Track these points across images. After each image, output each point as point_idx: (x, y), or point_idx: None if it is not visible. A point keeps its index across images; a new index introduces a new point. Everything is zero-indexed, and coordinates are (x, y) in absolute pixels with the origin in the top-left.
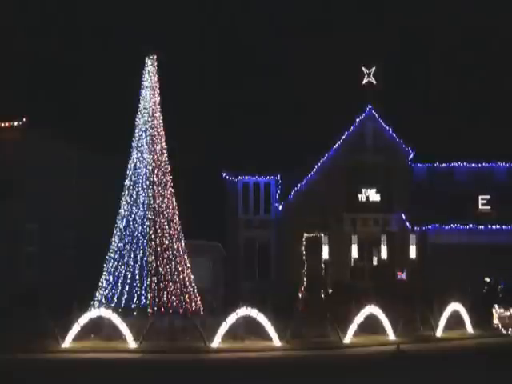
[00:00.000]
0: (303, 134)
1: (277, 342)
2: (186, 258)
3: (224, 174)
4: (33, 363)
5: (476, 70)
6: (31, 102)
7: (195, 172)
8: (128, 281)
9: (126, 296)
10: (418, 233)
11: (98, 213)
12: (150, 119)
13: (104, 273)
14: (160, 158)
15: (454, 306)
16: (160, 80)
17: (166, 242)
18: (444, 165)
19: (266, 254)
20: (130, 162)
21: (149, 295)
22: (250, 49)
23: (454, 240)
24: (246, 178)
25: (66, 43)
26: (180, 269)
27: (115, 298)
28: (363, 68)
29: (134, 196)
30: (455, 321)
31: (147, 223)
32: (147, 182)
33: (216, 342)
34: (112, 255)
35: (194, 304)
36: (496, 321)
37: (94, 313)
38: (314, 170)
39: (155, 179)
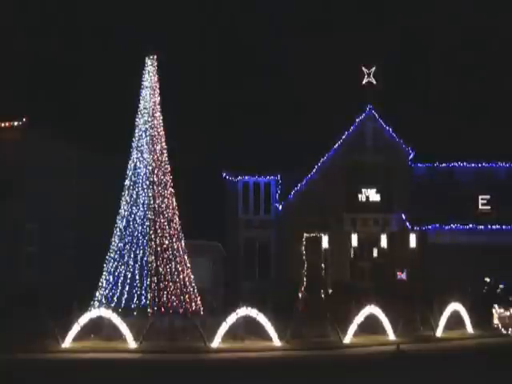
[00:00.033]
0: (303, 134)
1: (277, 341)
2: (185, 257)
3: (224, 174)
4: (33, 363)
5: (476, 69)
6: (31, 101)
7: (195, 172)
8: (128, 281)
9: (125, 296)
10: (417, 233)
11: (97, 213)
12: (149, 119)
13: (104, 273)
14: (160, 158)
15: (454, 306)
16: (160, 80)
17: (166, 242)
18: (444, 165)
19: (265, 254)
20: (130, 162)
21: (149, 295)
22: (250, 49)
23: (454, 240)
24: (246, 177)
25: (66, 43)
26: (180, 269)
27: (115, 298)
28: (363, 68)
29: (134, 196)
30: (455, 321)
31: (147, 223)
32: (147, 182)
33: (216, 342)
34: (112, 255)
35: (193, 304)
36: (496, 321)
37: (93, 313)
38: (314, 170)
39: (155, 179)
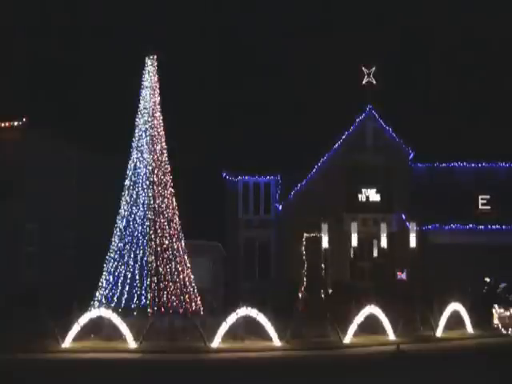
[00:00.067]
0: (303, 134)
1: (277, 341)
2: (186, 257)
3: (224, 174)
4: (33, 363)
5: (476, 69)
6: (31, 101)
7: (195, 172)
8: (128, 281)
9: (125, 296)
10: (418, 233)
11: (97, 213)
12: (149, 119)
13: (104, 273)
14: (160, 158)
15: (454, 306)
16: (160, 80)
17: (166, 242)
18: (444, 165)
19: (265, 254)
20: (130, 162)
21: (149, 295)
22: (250, 49)
23: (454, 240)
24: (246, 178)
25: (66, 43)
26: (180, 269)
27: (115, 298)
28: (363, 68)
29: (134, 196)
30: (455, 321)
31: (147, 223)
32: (147, 182)
33: (216, 342)
34: (112, 255)
35: (193, 304)
36: (496, 321)
37: (93, 313)
38: (314, 170)
39: (155, 179)
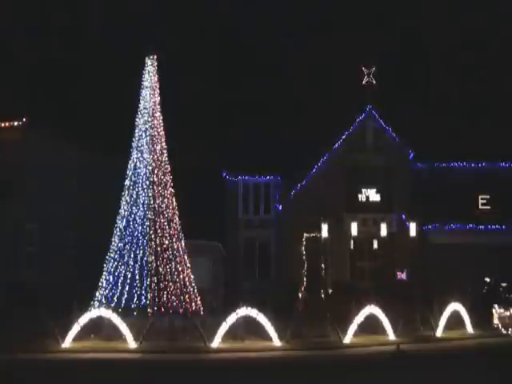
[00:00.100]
0: (303, 134)
1: (277, 341)
2: (186, 257)
3: (224, 174)
4: (33, 363)
5: (476, 69)
6: (31, 101)
7: (195, 172)
8: (128, 281)
9: (125, 296)
10: (418, 233)
11: (97, 213)
12: (149, 119)
13: (104, 273)
14: (160, 158)
15: (454, 306)
16: (160, 80)
17: (166, 242)
18: (444, 165)
19: (266, 254)
20: (130, 162)
21: (149, 295)
22: (250, 49)
23: (454, 240)
24: (246, 178)
25: (66, 43)
26: (180, 269)
27: (115, 298)
28: (363, 68)
29: (134, 196)
30: (455, 321)
31: (147, 223)
32: (147, 182)
33: (216, 342)
34: (112, 255)
35: (193, 304)
36: (496, 321)
37: (93, 313)
38: (314, 170)
39: (155, 179)
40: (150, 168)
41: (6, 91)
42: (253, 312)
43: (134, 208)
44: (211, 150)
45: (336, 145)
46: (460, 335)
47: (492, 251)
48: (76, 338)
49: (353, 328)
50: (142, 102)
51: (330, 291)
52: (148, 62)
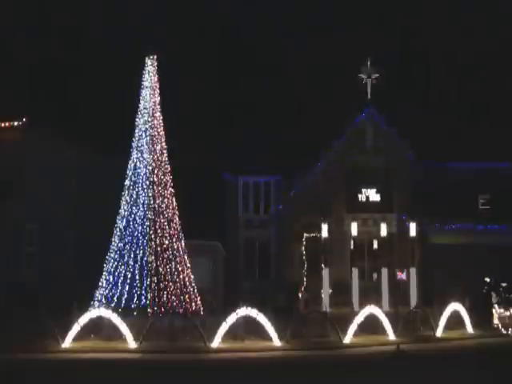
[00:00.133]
0: (303, 134)
1: (277, 341)
2: (186, 257)
3: (224, 174)
4: (33, 363)
5: (476, 69)
6: (31, 101)
7: (195, 172)
8: (128, 281)
9: (125, 296)
10: (418, 233)
11: (97, 213)
12: (149, 119)
13: (104, 273)
14: (160, 158)
15: (454, 306)
16: (160, 80)
17: (166, 242)
18: (444, 165)
19: (266, 254)
20: (130, 162)
21: (149, 295)
22: (250, 49)
23: (454, 240)
24: (246, 177)
25: (66, 43)
26: (180, 269)
27: (115, 298)
28: (363, 68)
29: (134, 196)
30: (455, 321)
31: (147, 223)
32: (147, 182)
33: (216, 342)
34: (112, 255)
35: (193, 304)
36: (496, 321)
37: (93, 313)
38: (314, 170)
39: (155, 179)
40: (150, 168)
41: (6, 91)
42: (253, 312)
43: (133, 208)
44: (211, 150)
45: (336, 145)
46: (460, 335)
47: (492, 251)
48: (76, 338)
49: (353, 328)
50: (141, 101)
51: (330, 291)
52: (148, 62)
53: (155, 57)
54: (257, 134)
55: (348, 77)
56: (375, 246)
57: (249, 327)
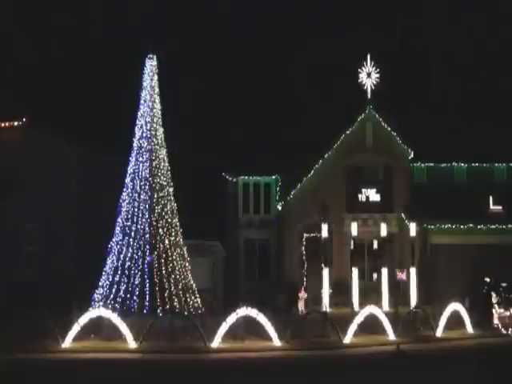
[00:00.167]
0: (303, 134)
1: (277, 341)
2: (186, 257)
3: (224, 174)
4: (33, 363)
5: (476, 69)
6: (31, 101)
7: (195, 172)
8: (128, 281)
9: (125, 296)
10: (418, 233)
11: (97, 213)
12: (149, 119)
13: (104, 273)
14: (160, 158)
15: (454, 306)
16: (160, 80)
17: (166, 242)
18: (444, 165)
19: (265, 254)
20: (130, 162)
21: (149, 295)
22: (250, 49)
23: (454, 240)
24: (246, 178)
25: (66, 43)
26: (180, 269)
27: (115, 298)
28: (363, 68)
29: (134, 196)
30: (455, 321)
31: (147, 223)
32: (147, 182)
33: (216, 342)
34: (112, 255)
35: (194, 304)
36: (496, 321)
37: (93, 313)
38: (314, 170)
39: (155, 179)
40: (150, 168)
41: (6, 91)
42: (253, 312)
43: (134, 208)
44: (211, 151)
45: (336, 145)
46: (460, 335)
47: (492, 251)
48: (76, 338)
49: (353, 328)
50: (141, 101)
51: (331, 291)
52: (148, 62)
53: (155, 57)
54: (257, 133)
55: (348, 77)
56: (375, 246)
57: (249, 327)
